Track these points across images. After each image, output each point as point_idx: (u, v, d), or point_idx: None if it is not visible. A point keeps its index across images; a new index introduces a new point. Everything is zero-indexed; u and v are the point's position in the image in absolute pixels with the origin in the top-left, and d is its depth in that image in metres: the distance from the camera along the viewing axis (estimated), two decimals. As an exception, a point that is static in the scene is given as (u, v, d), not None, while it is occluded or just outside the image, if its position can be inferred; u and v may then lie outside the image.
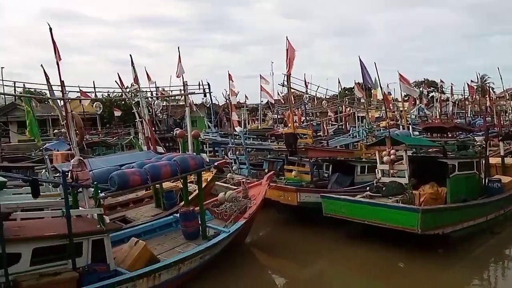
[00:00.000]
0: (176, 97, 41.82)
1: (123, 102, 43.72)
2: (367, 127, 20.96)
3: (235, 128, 19.91)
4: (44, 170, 15.07)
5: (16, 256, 7.21)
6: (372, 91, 35.41)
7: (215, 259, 10.39)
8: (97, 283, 7.75)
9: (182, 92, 18.98)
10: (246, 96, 38.34)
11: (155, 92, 23.67)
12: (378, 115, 34.93)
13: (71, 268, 7.75)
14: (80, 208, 9.18)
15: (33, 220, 8.54)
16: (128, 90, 25.89)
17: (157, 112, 30.63)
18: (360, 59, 18.59)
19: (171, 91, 32.72)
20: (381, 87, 20.92)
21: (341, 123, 31.44)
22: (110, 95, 35.58)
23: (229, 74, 22.77)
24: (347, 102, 34.29)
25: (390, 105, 30.95)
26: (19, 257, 7.26)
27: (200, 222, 10.89)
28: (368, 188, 13.10)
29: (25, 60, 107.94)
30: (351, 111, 30.39)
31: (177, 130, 29.61)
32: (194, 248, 9.86)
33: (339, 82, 41.66)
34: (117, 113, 39.27)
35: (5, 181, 9.58)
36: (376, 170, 13.55)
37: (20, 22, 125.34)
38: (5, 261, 6.97)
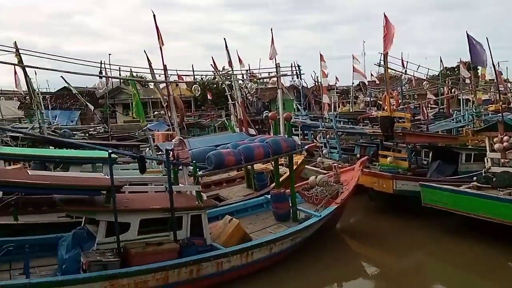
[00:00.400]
0: (265, 80, 42.18)
1: (215, 86, 45.48)
2: (474, 110, 19.00)
3: (325, 111, 19.43)
4: (147, 149, 16.35)
5: (126, 226, 7.92)
6: (479, 71, 31.99)
7: (305, 242, 10.36)
8: (195, 255, 8.21)
9: (273, 74, 18.97)
10: (336, 78, 37.03)
11: (248, 75, 24.09)
12: (486, 98, 31.46)
13: (173, 240, 8.31)
14: (180, 184, 9.75)
15: (139, 194, 9.28)
16: (221, 73, 26.71)
17: (247, 95, 31.23)
18: (468, 35, 16.67)
19: (260, 73, 33.07)
20: (494, 65, 18.60)
21: (441, 107, 28.95)
22: (203, 79, 37.21)
23: (320, 55, 22.17)
24: (450, 83, 31.31)
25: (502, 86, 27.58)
26: (128, 226, 7.96)
27: (290, 205, 10.93)
28: (475, 178, 11.92)
29: (128, 46, 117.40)
30: (455, 93, 27.71)
31: (267, 112, 30.14)
32: (285, 230, 9.93)
33: (441, 61, 37.94)
34: (210, 96, 40.92)
35: (116, 157, 10.57)
36: (485, 158, 12.25)
37: (123, 12, 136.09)
38: (117, 229, 7.70)
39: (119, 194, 8.16)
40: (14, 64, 15.27)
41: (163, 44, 12.35)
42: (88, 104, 28.96)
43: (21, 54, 14.93)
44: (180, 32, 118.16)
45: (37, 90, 25.04)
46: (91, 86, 45.97)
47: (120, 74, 30.50)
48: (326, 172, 14.01)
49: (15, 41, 14.70)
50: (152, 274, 7.65)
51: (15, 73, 20.24)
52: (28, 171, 9.21)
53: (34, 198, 10.98)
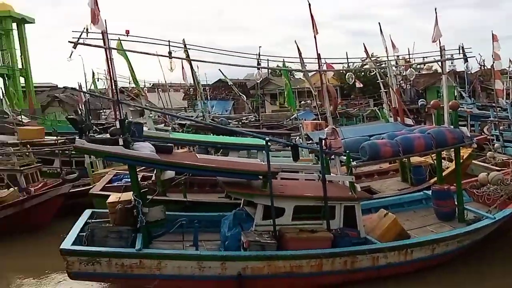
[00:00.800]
0: (418, 66, 38.81)
1: (363, 73, 43.80)
2: None
3: (499, 99, 16.74)
4: (298, 137, 16.68)
5: (281, 210, 8.15)
6: None
7: (474, 246, 9.14)
8: (349, 246, 7.98)
9: (431, 59, 17.09)
10: (510, 61, 31.48)
11: (407, 59, 22.29)
12: None
13: (325, 228, 8.23)
14: (331, 174, 9.58)
15: (292, 181, 9.44)
16: (374, 59, 25.49)
17: (400, 82, 29.15)
18: None
19: (413, 58, 30.41)
20: None
21: None
22: (350, 66, 36.10)
23: (493, 35, 19.00)
24: None
25: None
26: (283, 211, 8.18)
27: (456, 203, 9.76)
28: None
29: (274, 39, 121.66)
30: None
31: (422, 101, 27.73)
32: (451, 230, 8.93)
33: None
34: (358, 84, 39.60)
35: (270, 145, 11.00)
36: None
37: (267, 6, 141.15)
38: (274, 213, 7.96)
39: (274, 180, 8.40)
40: (183, 59, 17.20)
41: (317, 33, 12.27)
42: (241, 94, 31.12)
43: (188, 50, 16.76)
44: (326, 20, 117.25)
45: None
46: (242, 78, 49.49)
47: (268, 64, 31.86)
48: (500, 168, 12.12)
49: (183, 39, 16.64)
50: (307, 260, 7.73)
51: (182, 67, 22.83)
52: (196, 155, 10.22)
53: (198, 179, 12.27)
